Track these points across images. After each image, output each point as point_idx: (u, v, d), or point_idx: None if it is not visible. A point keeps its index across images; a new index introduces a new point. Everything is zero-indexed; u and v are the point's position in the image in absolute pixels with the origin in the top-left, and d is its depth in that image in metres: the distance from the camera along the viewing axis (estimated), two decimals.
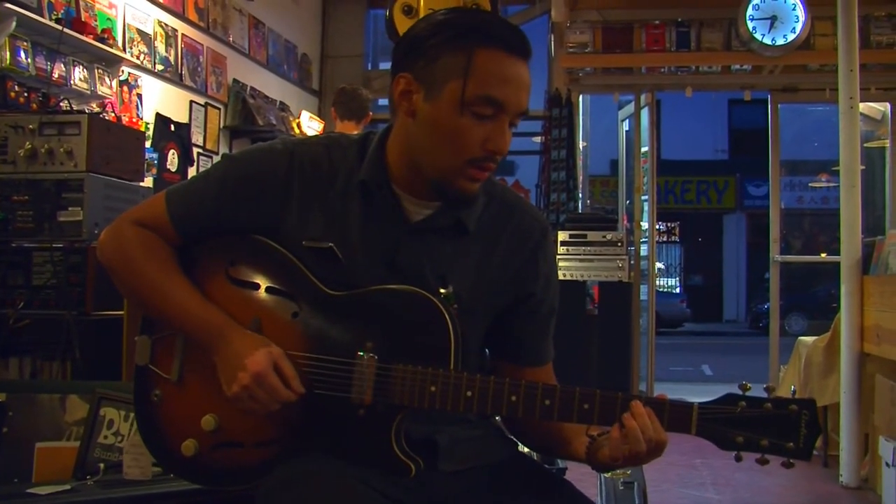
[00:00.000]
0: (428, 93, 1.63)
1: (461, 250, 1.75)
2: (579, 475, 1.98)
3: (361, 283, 1.69)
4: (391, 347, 1.64)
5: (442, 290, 1.68)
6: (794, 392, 1.63)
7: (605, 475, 2.27)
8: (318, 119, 8.10)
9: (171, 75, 6.21)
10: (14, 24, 4.45)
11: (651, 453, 1.58)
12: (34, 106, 4.37)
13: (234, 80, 7.14)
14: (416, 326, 1.65)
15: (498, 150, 1.64)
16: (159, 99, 6.06)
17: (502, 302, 1.79)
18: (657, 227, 8.34)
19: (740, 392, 1.59)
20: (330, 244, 1.70)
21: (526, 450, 2.01)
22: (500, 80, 1.60)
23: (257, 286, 1.73)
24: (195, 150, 6.46)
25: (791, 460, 1.58)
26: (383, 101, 9.26)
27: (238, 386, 1.62)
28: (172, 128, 6.10)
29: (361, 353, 1.63)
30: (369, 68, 9.68)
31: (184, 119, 6.35)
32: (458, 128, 1.61)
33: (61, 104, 4.29)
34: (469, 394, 1.61)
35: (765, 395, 1.60)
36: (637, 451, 1.56)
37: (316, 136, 1.91)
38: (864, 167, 5.86)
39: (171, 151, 6.04)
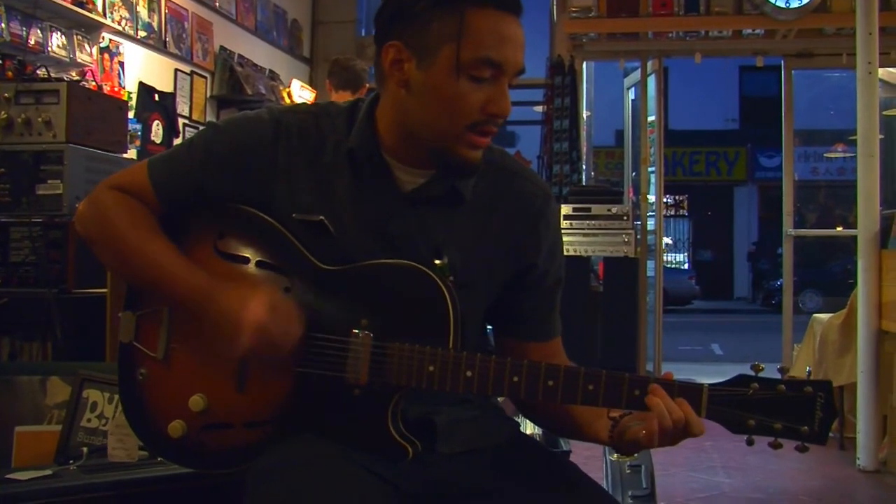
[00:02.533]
0: (421, 60, 1.62)
1: (456, 220, 1.75)
2: (584, 458, 1.98)
3: (354, 256, 1.68)
4: (387, 325, 1.63)
5: (436, 262, 1.68)
6: (810, 373, 1.63)
7: (612, 458, 2.28)
8: (309, 88, 8.08)
9: (155, 42, 6.17)
10: None
11: (683, 434, 1.57)
12: (9, 74, 4.34)
13: (221, 48, 7.11)
14: (414, 302, 1.64)
15: (500, 111, 1.63)
16: (142, 67, 6.02)
17: (503, 274, 1.79)
18: (664, 200, 8.33)
19: (753, 373, 1.59)
20: (321, 217, 1.70)
21: (529, 431, 2.01)
22: (496, 40, 1.59)
23: (247, 260, 1.73)
24: (181, 120, 6.44)
25: (805, 444, 1.57)
26: None
27: (242, 347, 1.61)
28: (156, 97, 6.08)
29: (356, 331, 1.63)
30: (363, 34, 9.63)
31: (168, 88, 6.32)
32: (456, 94, 1.60)
33: (38, 72, 4.26)
34: (469, 374, 1.61)
35: (778, 376, 1.59)
36: (664, 426, 1.55)
37: (304, 104, 1.90)
38: (882, 136, 5.86)
39: (156, 122, 6.02)
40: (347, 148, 1.72)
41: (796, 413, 1.56)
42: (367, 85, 5.60)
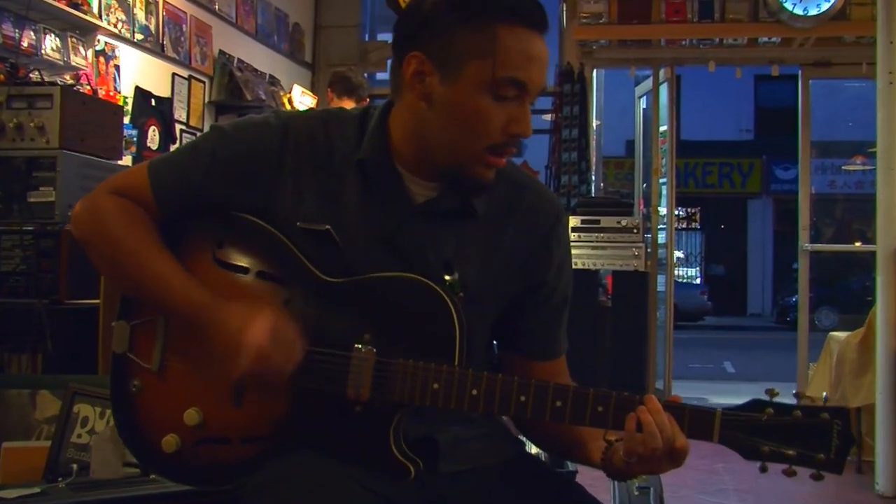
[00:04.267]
0: (445, 75, 1.62)
1: (468, 234, 1.75)
2: (591, 479, 1.98)
3: (359, 268, 1.68)
4: (391, 340, 1.63)
5: (446, 277, 1.68)
6: (826, 399, 1.63)
7: None
8: (310, 94, 8.08)
9: (152, 45, 6.18)
10: None
11: (670, 456, 1.57)
12: (1, 77, 4.35)
13: (220, 52, 7.11)
14: (418, 317, 1.65)
15: (522, 132, 1.64)
16: (139, 71, 6.03)
17: (512, 291, 1.79)
18: (676, 212, 8.33)
19: (767, 398, 1.59)
20: (327, 226, 1.70)
21: (534, 450, 2.01)
22: (525, 60, 1.60)
23: (246, 270, 1.72)
24: (178, 126, 6.44)
25: (821, 473, 1.57)
26: (382, 76, 9.23)
27: (245, 360, 1.59)
28: (153, 102, 6.08)
29: (359, 346, 1.63)
30: (366, 39, 9.65)
31: (165, 93, 6.32)
32: (479, 112, 1.61)
33: (31, 75, 4.27)
34: (475, 392, 1.61)
35: (794, 401, 1.59)
36: (653, 447, 1.55)
37: (313, 109, 1.91)
38: None
39: (152, 128, 6.02)
40: (358, 157, 1.72)
41: (812, 440, 1.56)
42: (368, 100, 5.73)
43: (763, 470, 1.59)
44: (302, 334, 1.64)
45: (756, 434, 1.57)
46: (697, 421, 1.58)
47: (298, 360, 1.63)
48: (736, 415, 1.58)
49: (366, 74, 8.79)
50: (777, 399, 1.59)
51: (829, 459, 1.56)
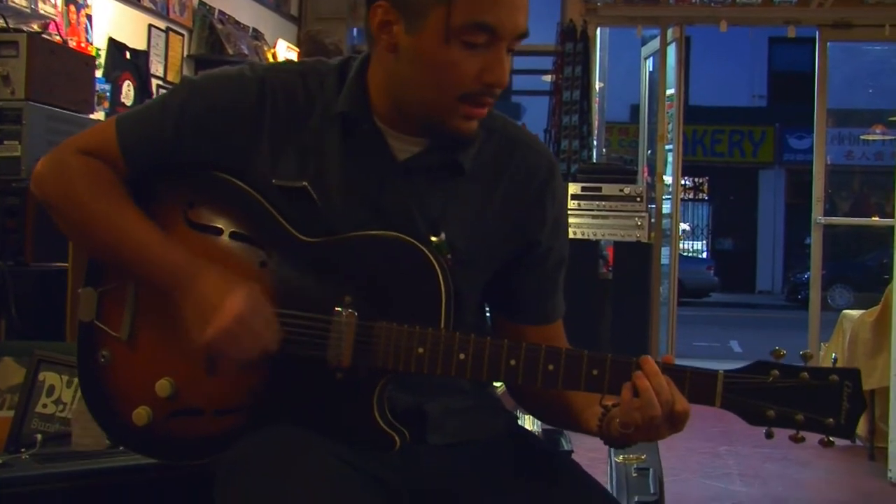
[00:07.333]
0: (409, 24, 1.60)
1: (455, 192, 1.74)
2: (588, 459, 1.98)
3: (340, 228, 1.68)
4: (373, 302, 1.63)
5: (433, 238, 1.67)
6: (835, 360, 1.63)
7: (617, 459, 2.28)
8: (296, 49, 8.04)
9: None
10: None
11: (670, 422, 1.57)
12: None
13: (201, 3, 7.07)
14: (402, 278, 1.64)
15: (496, 81, 1.62)
16: (112, 21, 5.99)
17: (504, 251, 1.78)
18: (682, 182, 8.35)
19: (772, 359, 1.58)
20: (304, 183, 1.69)
21: (528, 426, 2.01)
22: (490, 2, 1.57)
23: (220, 231, 1.72)
24: (154, 81, 6.41)
25: (830, 438, 1.57)
26: None
27: (215, 329, 1.59)
28: (128, 55, 6.05)
29: (339, 309, 1.63)
30: None
31: (141, 46, 6.29)
32: (447, 62, 1.59)
33: None
34: (462, 356, 1.60)
35: (801, 363, 1.59)
36: (651, 415, 1.54)
37: (290, 61, 1.89)
38: None
39: (126, 83, 5.99)
40: (337, 111, 1.72)
41: (821, 403, 1.55)
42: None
43: (769, 436, 1.58)
44: (276, 317, 1.63)
45: (761, 397, 1.56)
46: (699, 385, 1.58)
47: (271, 342, 1.62)
48: (739, 377, 1.57)
49: (354, 31, 8.75)
50: (783, 360, 1.58)
51: (839, 424, 1.55)
